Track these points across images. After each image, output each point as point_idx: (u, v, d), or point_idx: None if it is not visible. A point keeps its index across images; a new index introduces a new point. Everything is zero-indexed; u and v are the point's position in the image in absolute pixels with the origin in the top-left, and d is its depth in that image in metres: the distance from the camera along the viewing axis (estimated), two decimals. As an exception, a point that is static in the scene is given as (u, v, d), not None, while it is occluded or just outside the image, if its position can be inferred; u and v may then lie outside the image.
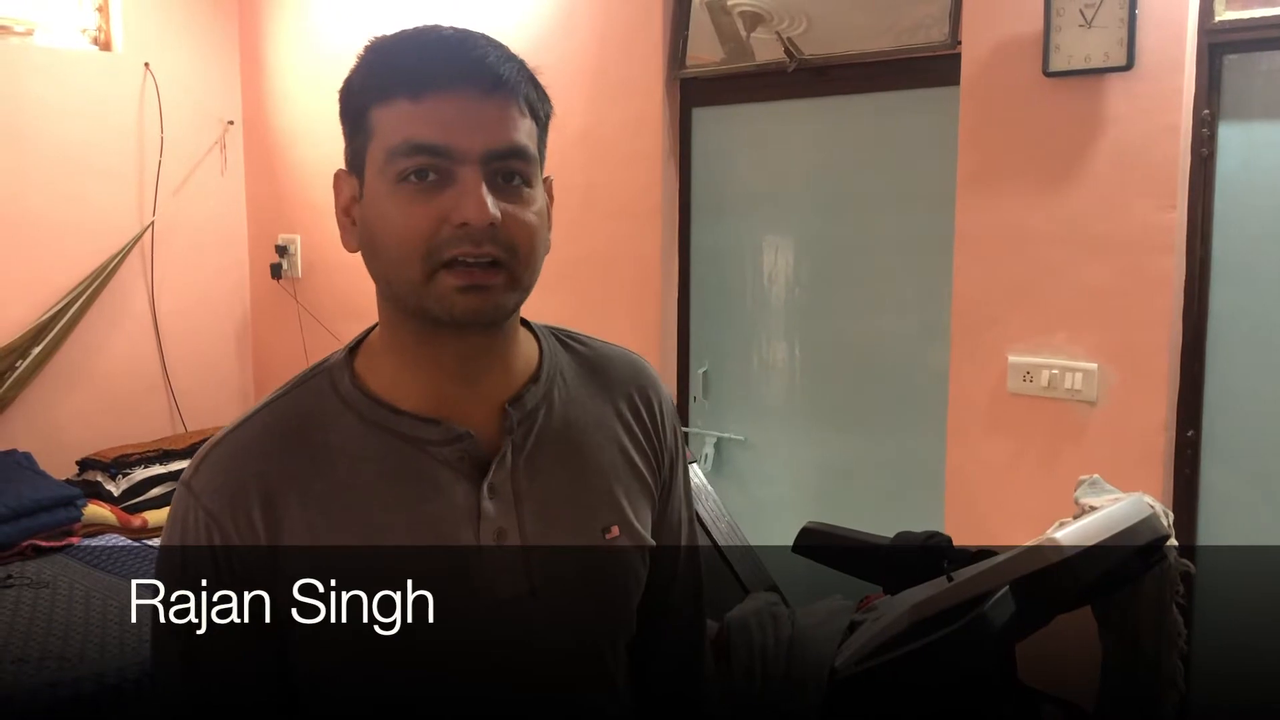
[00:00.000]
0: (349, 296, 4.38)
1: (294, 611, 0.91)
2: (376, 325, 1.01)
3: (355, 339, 1.02)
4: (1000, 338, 2.79)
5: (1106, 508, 1.55)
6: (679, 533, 1.10)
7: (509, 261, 0.92)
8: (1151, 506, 1.61)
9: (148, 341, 4.49)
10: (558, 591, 0.96)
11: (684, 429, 3.63)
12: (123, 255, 4.34)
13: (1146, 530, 1.55)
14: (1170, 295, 2.55)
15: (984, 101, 2.78)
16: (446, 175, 0.90)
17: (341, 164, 0.99)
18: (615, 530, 1.00)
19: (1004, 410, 2.80)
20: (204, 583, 0.92)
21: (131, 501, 3.87)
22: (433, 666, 0.93)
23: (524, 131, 0.94)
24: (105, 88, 4.29)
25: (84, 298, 4.21)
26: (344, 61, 1.03)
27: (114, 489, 3.89)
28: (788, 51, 3.15)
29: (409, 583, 0.91)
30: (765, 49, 3.25)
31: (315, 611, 0.92)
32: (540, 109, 0.98)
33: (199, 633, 0.92)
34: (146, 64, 4.34)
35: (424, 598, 0.91)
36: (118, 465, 3.95)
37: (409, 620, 0.92)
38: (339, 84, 1.00)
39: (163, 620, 0.93)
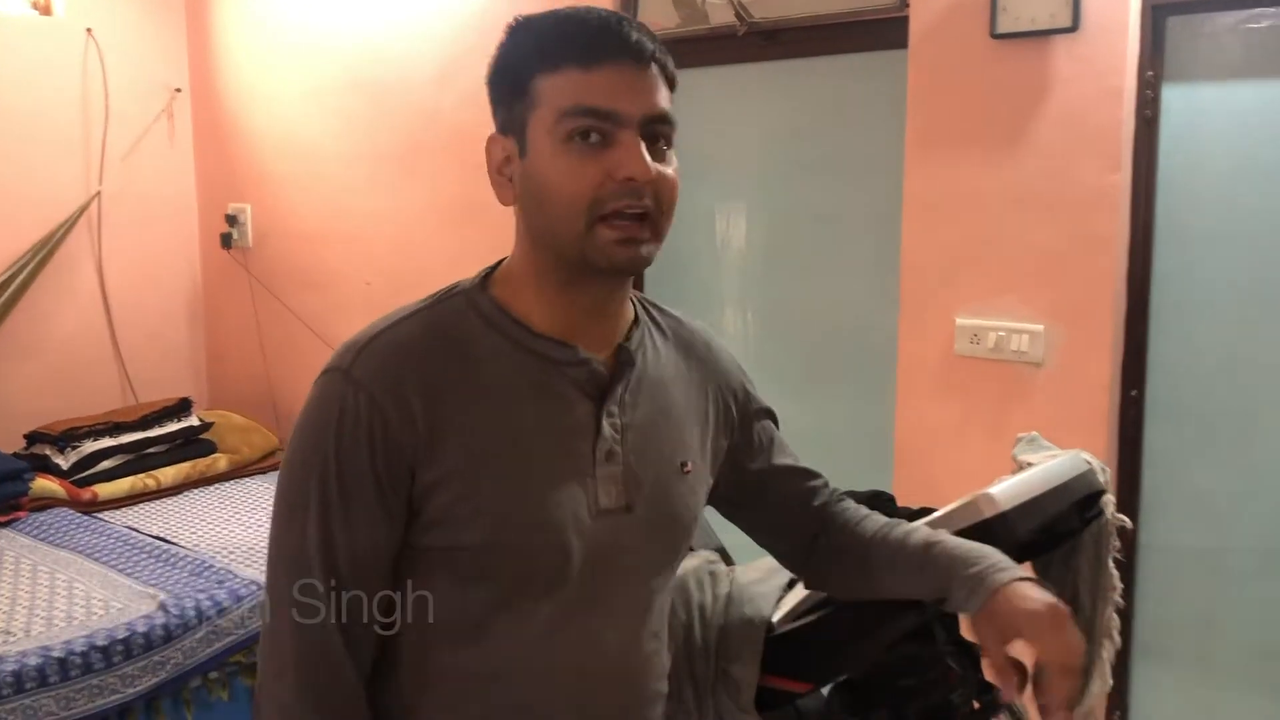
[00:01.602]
0: (300, 266, 4.33)
1: (438, 497, 1.04)
2: (505, 261, 1.16)
3: (484, 270, 1.17)
4: (948, 300, 2.81)
5: (1043, 463, 1.57)
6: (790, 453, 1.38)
7: (656, 215, 1.08)
8: (1089, 462, 1.63)
9: (96, 313, 4.43)
10: (647, 509, 1.12)
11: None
12: (69, 225, 4.27)
13: (1082, 485, 1.57)
14: (1115, 257, 2.58)
15: (932, 64, 2.78)
16: (609, 137, 1.04)
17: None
18: (689, 465, 1.19)
19: (952, 372, 2.82)
20: (354, 479, 1.03)
21: (81, 475, 3.82)
22: (544, 554, 1.06)
23: (667, 99, 1.10)
24: (46, 54, 4.20)
25: (29, 269, 4.14)
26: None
27: (63, 462, 3.84)
28: (738, 15, 3.14)
29: (543, 480, 1.06)
30: (720, 13, 3.24)
31: (461, 500, 1.04)
32: (674, 80, 1.12)
33: (341, 518, 1.04)
34: (89, 29, 4.25)
35: (548, 495, 1.06)
36: (66, 438, 3.90)
37: (535, 513, 1.05)
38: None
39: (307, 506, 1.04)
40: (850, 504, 1.38)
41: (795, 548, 1.35)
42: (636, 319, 1.18)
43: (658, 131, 1.08)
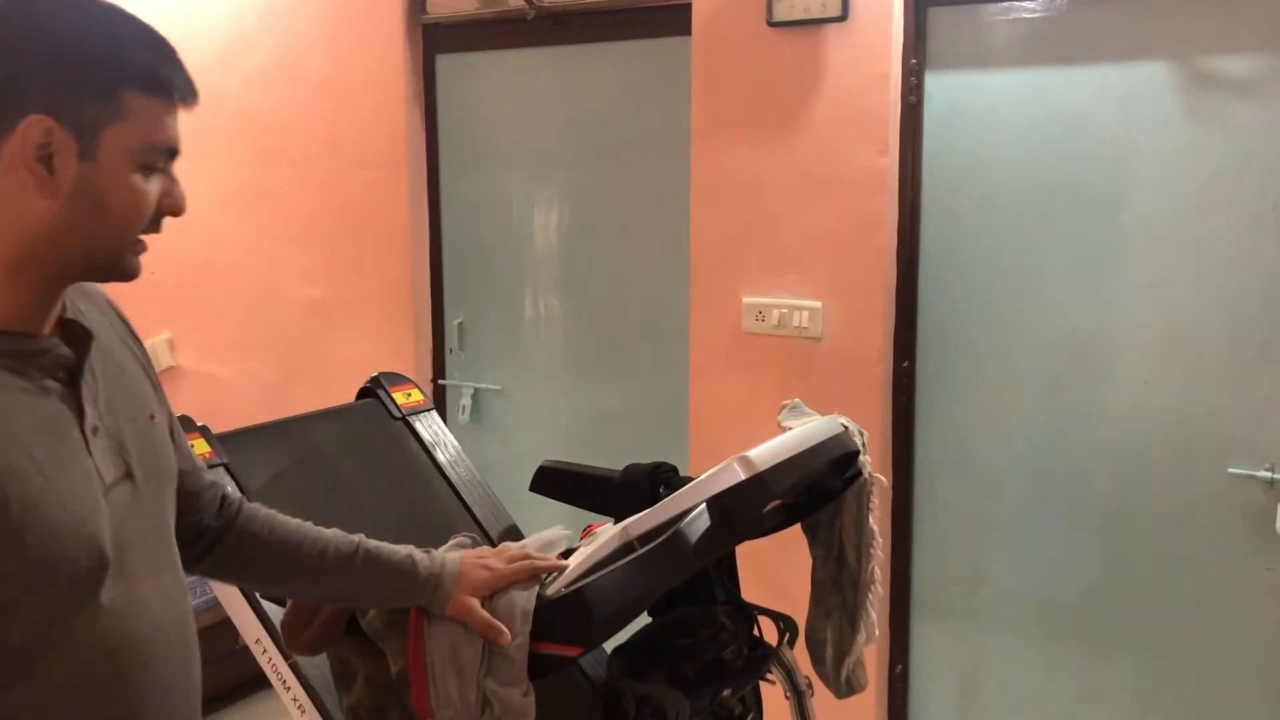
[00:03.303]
0: None
1: None
2: None
3: None
4: (735, 280, 2.91)
5: (801, 427, 1.66)
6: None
7: None
8: (844, 425, 1.72)
9: None
10: (142, 470, 1.14)
11: (441, 381, 3.62)
12: None
13: (837, 445, 1.65)
14: (885, 236, 2.72)
15: (713, 51, 2.87)
16: (164, 169, 1.11)
17: None
18: (156, 416, 1.22)
19: (740, 349, 2.92)
20: None
21: None
22: (81, 548, 1.04)
23: None
24: None
25: None
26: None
27: None
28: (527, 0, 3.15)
29: (56, 477, 1.02)
30: (512, -3, 3.25)
31: None
32: None
33: None
34: None
35: (66, 490, 1.03)
36: None
37: (61, 513, 1.02)
38: None
39: None
40: (250, 503, 1.41)
41: (200, 543, 1.36)
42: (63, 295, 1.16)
43: None
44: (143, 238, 1.11)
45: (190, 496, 1.32)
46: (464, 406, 3.57)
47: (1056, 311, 2.63)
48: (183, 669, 1.18)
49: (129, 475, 1.12)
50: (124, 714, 1.10)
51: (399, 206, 3.52)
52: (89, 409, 1.09)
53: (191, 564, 1.35)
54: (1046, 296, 2.64)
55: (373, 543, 1.41)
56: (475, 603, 1.38)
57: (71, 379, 1.09)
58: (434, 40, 3.47)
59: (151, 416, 1.20)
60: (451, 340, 3.61)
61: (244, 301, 3.88)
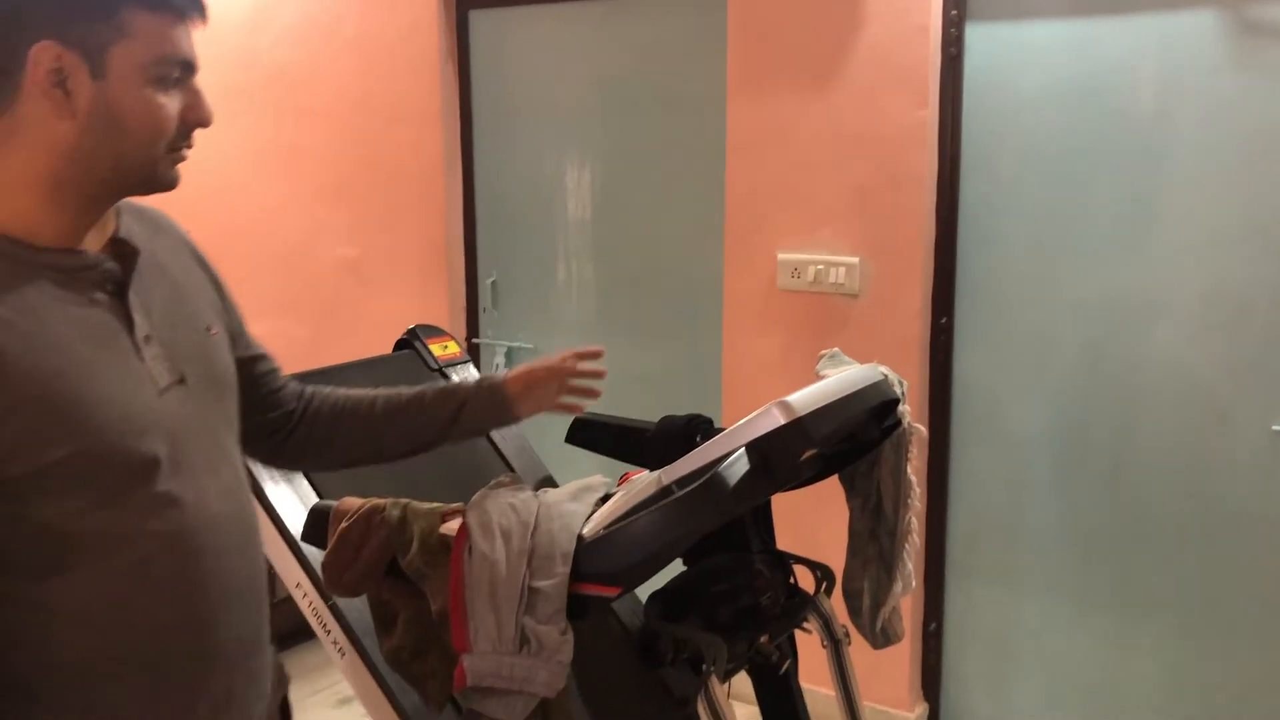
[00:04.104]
0: None
1: (8, 428, 1.04)
2: None
3: None
4: (770, 236, 2.89)
5: (839, 374, 1.64)
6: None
7: None
8: (884, 374, 1.71)
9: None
10: (195, 376, 1.22)
11: (474, 339, 3.62)
12: None
13: (876, 393, 1.64)
14: (924, 190, 2.69)
15: (749, 3, 2.83)
16: (182, 83, 1.15)
17: None
18: (214, 329, 1.29)
19: (775, 306, 2.90)
20: None
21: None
22: (131, 445, 1.12)
23: None
24: None
25: None
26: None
27: None
28: (561, -47, 3.12)
29: (104, 380, 1.10)
30: (543, -48, 3.22)
31: (34, 424, 1.05)
32: None
33: None
34: None
35: (114, 391, 1.11)
36: None
37: (110, 411, 1.10)
38: None
39: None
40: (316, 385, 1.54)
41: (275, 431, 1.48)
42: (119, 213, 1.24)
43: None
44: (180, 150, 1.17)
45: (271, 395, 1.46)
46: (497, 365, 3.58)
47: (1097, 267, 2.60)
48: (242, 556, 1.25)
49: (182, 380, 1.20)
50: (188, 598, 1.18)
51: (432, 164, 3.52)
52: (139, 319, 1.17)
53: (274, 455, 1.50)
54: (1088, 252, 2.61)
55: (426, 390, 1.53)
56: (525, 368, 1.54)
57: (120, 292, 1.16)
58: (467, -4, 3.45)
59: (209, 329, 1.28)
60: (485, 299, 3.61)
61: (278, 260, 3.90)
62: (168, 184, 1.18)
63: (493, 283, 3.59)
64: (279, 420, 1.48)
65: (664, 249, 3.26)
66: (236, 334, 1.39)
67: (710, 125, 3.02)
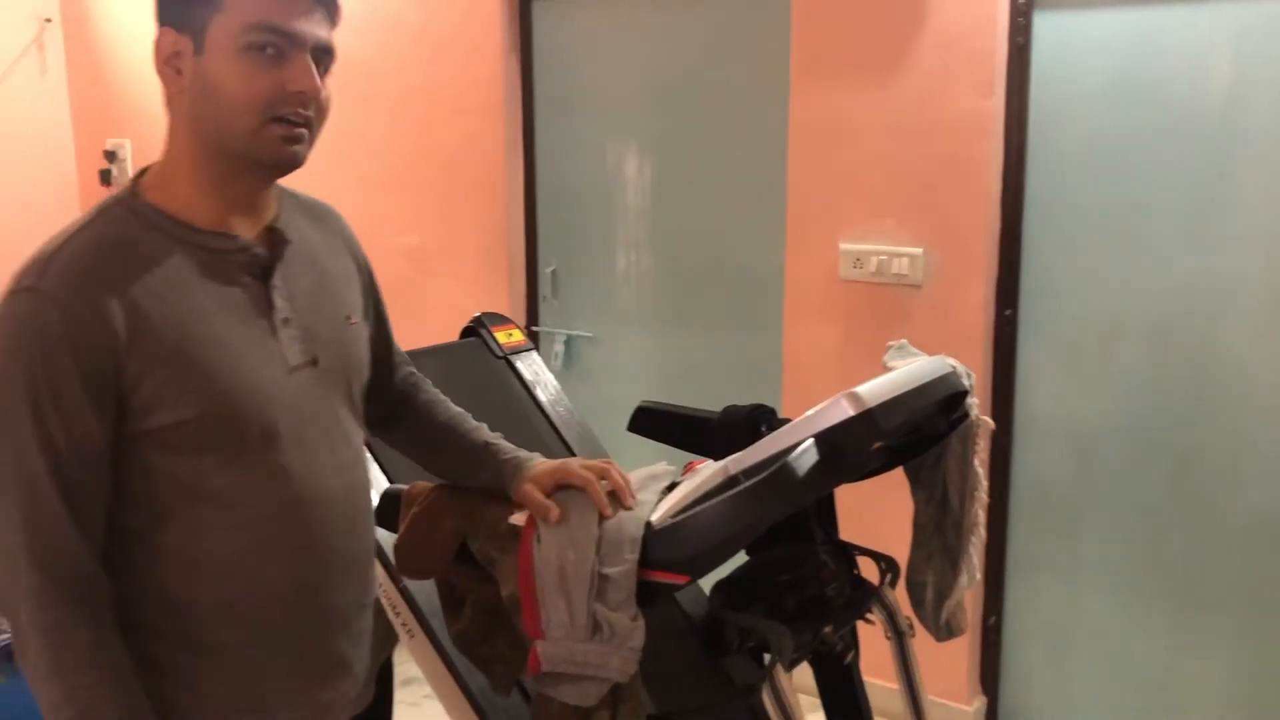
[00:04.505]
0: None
1: (145, 385, 1.15)
2: (152, 167, 1.27)
3: (134, 178, 1.27)
4: (832, 226, 2.88)
5: (908, 366, 1.64)
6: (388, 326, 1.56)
7: (314, 124, 1.24)
8: (952, 366, 1.70)
9: (-32, 253, 4.26)
10: (327, 360, 1.31)
11: (534, 327, 3.65)
12: (-65, 162, 4.10)
13: (945, 386, 1.63)
14: (989, 181, 2.67)
15: (815, -8, 2.82)
16: (282, 54, 1.18)
17: None
18: (353, 318, 1.39)
19: (836, 296, 2.89)
20: (61, 380, 1.12)
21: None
22: (253, 414, 1.22)
23: (331, 35, 1.25)
24: (-97, -19, 4.00)
25: (-107, 208, 3.98)
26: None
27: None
28: (625, -58, 3.13)
29: (237, 353, 1.21)
30: (605, -58, 3.22)
31: (168, 384, 1.16)
32: (337, 19, 1.27)
33: (54, 415, 1.13)
34: (-52, -45, 4.06)
35: (243, 364, 1.21)
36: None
37: (237, 380, 1.20)
38: None
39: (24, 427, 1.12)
40: (427, 386, 1.61)
41: (380, 416, 1.55)
42: (280, 204, 1.34)
43: (323, 59, 1.23)
44: (286, 122, 1.19)
45: (393, 380, 1.56)
46: (557, 353, 3.60)
47: (1166, 259, 2.56)
48: (350, 530, 1.35)
49: (314, 362, 1.29)
50: (296, 561, 1.28)
51: (494, 154, 3.54)
52: (279, 302, 1.27)
53: (382, 429, 1.59)
54: (1156, 243, 2.57)
55: (495, 442, 1.53)
56: (532, 487, 1.44)
57: (265, 276, 1.26)
58: (530, -14, 3.47)
59: (348, 317, 1.38)
60: (545, 287, 3.64)
61: (342, 248, 3.94)
62: (274, 157, 1.21)
63: (552, 271, 3.61)
64: (390, 403, 1.56)
65: (723, 238, 3.26)
66: (376, 327, 1.48)
67: (771, 115, 3.02)
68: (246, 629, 1.26)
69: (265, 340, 1.25)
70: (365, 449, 1.43)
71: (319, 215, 1.42)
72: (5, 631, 2.68)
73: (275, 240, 1.29)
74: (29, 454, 1.13)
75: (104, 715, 1.16)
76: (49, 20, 4.41)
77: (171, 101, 1.22)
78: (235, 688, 1.27)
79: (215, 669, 1.26)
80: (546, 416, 2.22)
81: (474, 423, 1.58)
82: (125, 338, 1.14)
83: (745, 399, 2.02)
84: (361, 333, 1.41)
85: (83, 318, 1.13)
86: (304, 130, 1.22)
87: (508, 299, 3.62)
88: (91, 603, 1.17)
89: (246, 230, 1.26)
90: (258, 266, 1.26)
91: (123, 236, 1.20)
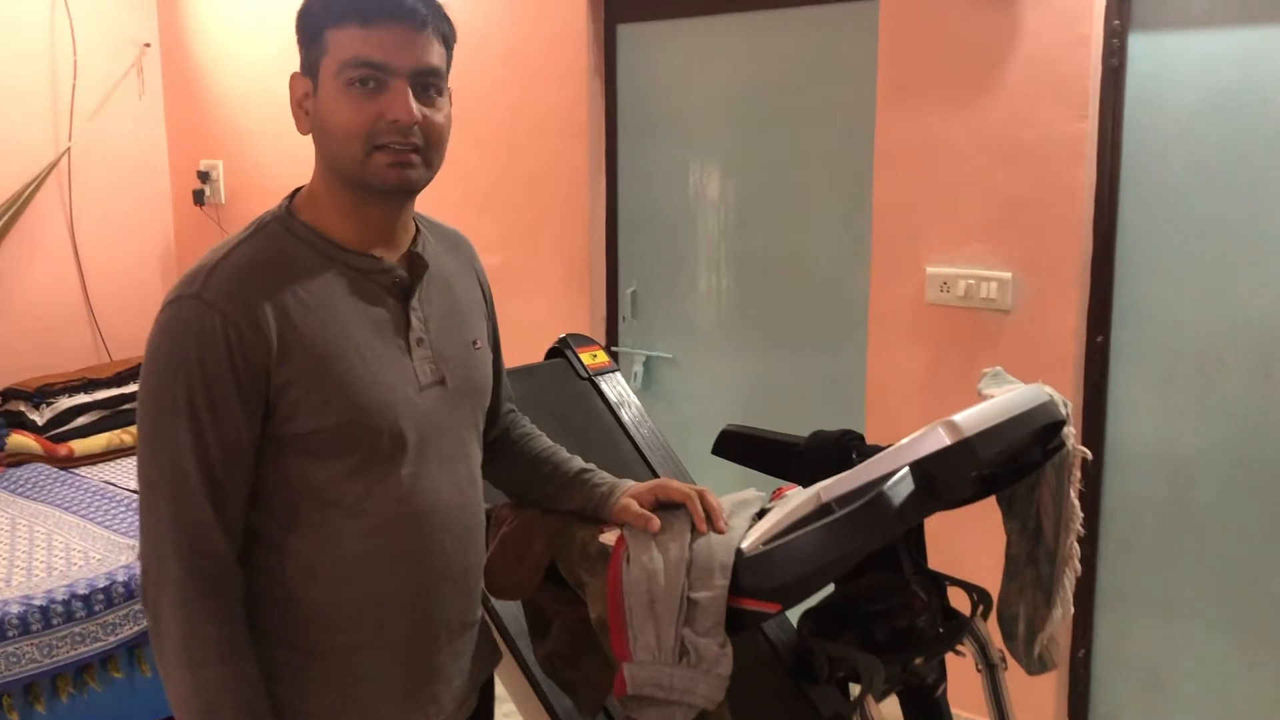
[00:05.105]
0: (275, 222, 4.31)
1: (290, 393, 1.23)
2: (303, 188, 1.36)
3: (287, 198, 1.36)
4: (919, 249, 2.84)
5: (1005, 394, 1.61)
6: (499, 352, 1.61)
7: (424, 148, 1.30)
8: (1050, 394, 1.67)
9: (68, 270, 4.41)
10: (455, 381, 1.39)
11: (614, 348, 3.66)
12: (38, 182, 4.24)
13: (1043, 415, 1.60)
14: (1081, 204, 2.62)
15: (903, 14, 2.80)
16: (382, 84, 1.25)
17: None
18: (479, 343, 1.46)
19: (922, 320, 2.86)
20: (218, 384, 1.20)
21: (56, 431, 3.82)
22: (385, 426, 1.29)
23: (437, 55, 1.30)
24: (12, 9, 4.15)
25: (-1, 226, 4.12)
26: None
27: (38, 418, 3.84)
28: (711, -34, 3.14)
29: (374, 369, 1.28)
30: (690, -35, 3.24)
31: (310, 393, 1.24)
32: (449, 38, 1.33)
33: (209, 417, 1.21)
34: (55, -17, 4.21)
35: (380, 379, 1.29)
36: (41, 394, 3.89)
37: (373, 395, 1.27)
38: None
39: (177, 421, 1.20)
40: (524, 420, 1.67)
41: (484, 444, 1.57)
42: (418, 230, 1.41)
43: (428, 82, 1.28)
44: (392, 149, 1.25)
45: (499, 411, 1.61)
46: (636, 374, 3.61)
47: (1265, 287, 2.48)
48: (461, 546, 1.40)
49: (442, 382, 1.36)
50: (410, 572, 1.34)
51: (577, 175, 3.57)
52: (415, 323, 1.35)
53: (485, 457, 1.57)
54: (1254, 270, 2.50)
55: (588, 472, 1.57)
56: (630, 501, 1.48)
57: (405, 297, 1.35)
58: (615, 10, 3.49)
59: (474, 342, 1.45)
60: (625, 308, 3.65)
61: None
62: (383, 183, 1.28)
63: (633, 293, 3.62)
64: (490, 433, 1.58)
65: (806, 260, 3.24)
66: (493, 357, 1.54)
67: (855, 137, 2.99)
68: (360, 633, 1.32)
69: (400, 358, 1.32)
70: (480, 471, 1.47)
71: (453, 243, 1.50)
72: (121, 629, 2.76)
73: (415, 264, 1.36)
74: (183, 452, 1.21)
75: (229, 711, 1.22)
76: (148, 45, 4.55)
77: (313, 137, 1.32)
78: (339, 694, 1.33)
79: (323, 673, 1.32)
80: (630, 438, 2.22)
81: (568, 454, 1.62)
82: (277, 346, 1.23)
83: (826, 423, 2.00)
84: (485, 357, 1.47)
85: (240, 325, 1.21)
86: (413, 155, 1.28)
87: (588, 319, 3.63)
88: (229, 601, 1.24)
89: (388, 252, 1.34)
90: (399, 288, 1.34)
91: (279, 251, 1.29)
